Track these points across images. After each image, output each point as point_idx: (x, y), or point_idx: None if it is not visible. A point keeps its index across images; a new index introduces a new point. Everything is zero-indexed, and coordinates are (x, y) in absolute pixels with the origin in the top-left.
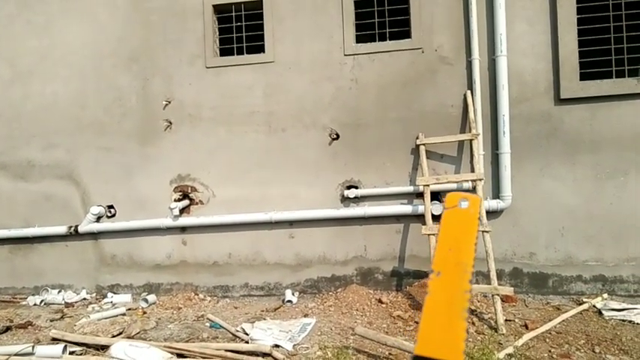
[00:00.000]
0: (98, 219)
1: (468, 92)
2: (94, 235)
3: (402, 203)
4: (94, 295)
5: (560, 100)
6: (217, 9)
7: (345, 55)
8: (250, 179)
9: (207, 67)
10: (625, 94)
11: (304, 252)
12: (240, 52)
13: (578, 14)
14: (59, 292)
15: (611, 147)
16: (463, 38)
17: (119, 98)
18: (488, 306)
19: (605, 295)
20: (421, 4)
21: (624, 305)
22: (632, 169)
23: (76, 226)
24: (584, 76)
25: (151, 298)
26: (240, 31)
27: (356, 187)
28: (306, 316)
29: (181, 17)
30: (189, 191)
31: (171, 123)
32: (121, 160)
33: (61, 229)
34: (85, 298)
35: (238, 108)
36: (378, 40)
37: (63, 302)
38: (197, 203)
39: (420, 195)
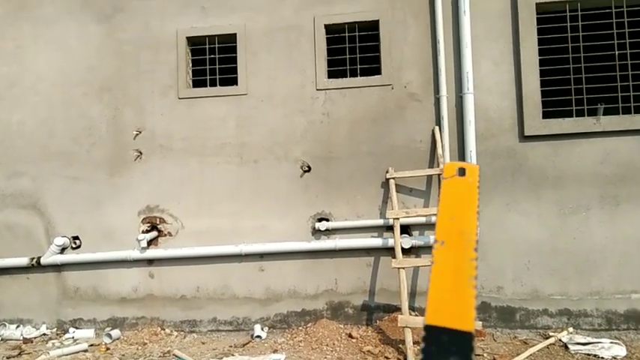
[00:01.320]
0: (62, 250)
1: (436, 128)
2: (58, 267)
3: (372, 236)
4: (54, 330)
5: (524, 137)
6: (191, 41)
7: (318, 89)
8: (221, 211)
9: (180, 98)
10: (585, 132)
11: (274, 285)
12: (213, 84)
13: (539, 55)
14: (17, 327)
15: (573, 183)
16: (431, 76)
17: (89, 127)
18: None
19: (571, 329)
20: (391, 42)
21: (589, 339)
22: (593, 205)
23: (39, 258)
24: (546, 114)
25: (115, 333)
26: (214, 63)
27: (327, 220)
28: (275, 351)
29: (155, 48)
30: (158, 222)
31: (141, 153)
32: (88, 190)
33: (23, 261)
34: (45, 334)
35: (210, 139)
36: (350, 76)
37: (21, 338)
38: (166, 235)
39: (390, 228)
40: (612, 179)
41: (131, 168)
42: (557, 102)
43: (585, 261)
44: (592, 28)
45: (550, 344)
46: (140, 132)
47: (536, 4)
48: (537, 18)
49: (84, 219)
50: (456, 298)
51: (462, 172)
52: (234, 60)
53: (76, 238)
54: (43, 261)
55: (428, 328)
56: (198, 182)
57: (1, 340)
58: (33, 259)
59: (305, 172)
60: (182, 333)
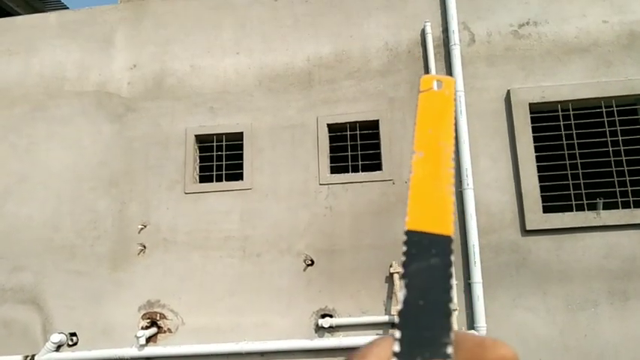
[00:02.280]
0: (58, 347)
1: None
2: None
3: (377, 333)
4: None
5: (526, 231)
6: (199, 138)
7: (320, 184)
8: (222, 306)
9: (186, 193)
10: (586, 227)
11: None
12: (219, 179)
13: (536, 152)
14: None
15: (579, 278)
16: None
17: (94, 221)
18: None
19: None
20: (391, 140)
21: None
22: (601, 301)
23: (33, 356)
24: (547, 209)
25: None
26: (221, 159)
27: (330, 316)
28: None
29: (164, 145)
30: (158, 318)
31: (145, 247)
32: (89, 285)
33: (16, 359)
34: None
35: (214, 232)
36: (352, 172)
37: None
38: (165, 331)
39: (395, 325)
40: (619, 274)
41: (134, 262)
42: (556, 196)
43: (599, 359)
44: (586, 125)
45: None
46: (145, 226)
47: (529, 104)
48: (531, 117)
49: (83, 314)
50: (435, 204)
51: (439, 84)
52: (240, 156)
53: (73, 334)
54: (37, 359)
55: (408, 234)
56: (200, 276)
57: None
58: (27, 357)
59: (308, 265)
60: None
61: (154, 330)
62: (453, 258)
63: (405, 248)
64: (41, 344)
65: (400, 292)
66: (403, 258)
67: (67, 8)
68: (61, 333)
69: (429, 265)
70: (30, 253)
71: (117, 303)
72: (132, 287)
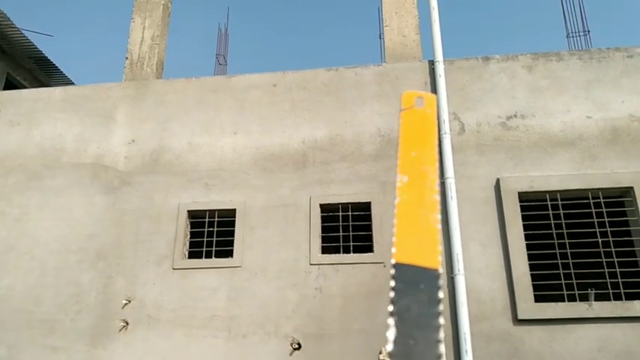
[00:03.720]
0: None
1: None
2: None
3: None
4: None
5: (518, 321)
6: (191, 214)
7: (311, 264)
8: None
9: (174, 269)
10: (579, 318)
11: None
12: (208, 255)
13: (526, 240)
14: None
15: None
16: None
17: (77, 294)
18: None
19: None
20: (382, 222)
21: None
22: None
23: None
24: (538, 298)
25: None
26: (212, 235)
27: None
28: None
29: (155, 219)
30: None
31: (127, 323)
32: None
33: None
34: None
35: (199, 310)
36: (343, 252)
37: None
38: None
39: None
40: None
41: (114, 339)
42: (547, 285)
43: None
44: (574, 216)
45: None
46: (130, 301)
47: (519, 192)
48: (521, 205)
49: None
50: (421, 236)
51: (420, 101)
52: (231, 233)
53: None
54: None
55: (396, 266)
56: (182, 357)
57: None
58: None
59: (295, 349)
60: None
61: None
62: (441, 294)
63: (393, 283)
64: None
65: (389, 331)
66: (391, 294)
67: (73, 84)
68: None
69: (417, 302)
70: (7, 326)
71: None
72: None
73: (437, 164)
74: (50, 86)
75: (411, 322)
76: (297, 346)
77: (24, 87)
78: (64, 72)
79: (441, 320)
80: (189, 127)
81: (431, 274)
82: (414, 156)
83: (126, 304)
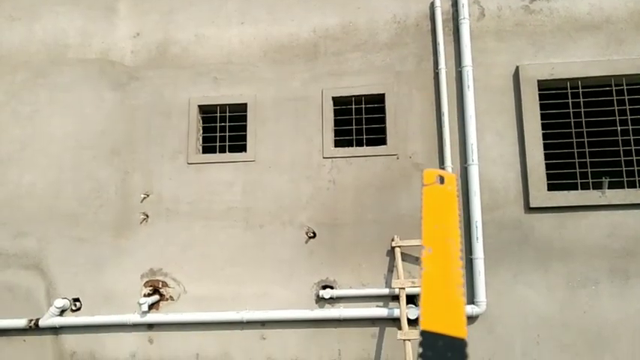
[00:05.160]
0: (62, 312)
1: None
2: (55, 330)
3: (377, 306)
4: None
5: (530, 209)
6: (202, 109)
7: (324, 157)
8: (224, 276)
9: (189, 163)
10: (591, 205)
11: (276, 355)
12: (222, 150)
13: (543, 129)
14: None
15: (581, 256)
16: (436, 146)
17: (97, 190)
18: None
19: None
20: (396, 114)
21: None
22: (602, 279)
23: (37, 320)
24: (551, 187)
25: None
26: (224, 130)
27: (331, 288)
28: None
29: (166, 115)
30: (160, 286)
31: (147, 216)
32: (92, 252)
33: (21, 322)
34: None
35: (216, 203)
36: (356, 145)
37: None
38: (167, 299)
39: (395, 298)
40: (621, 253)
41: (136, 231)
42: (562, 174)
43: (597, 336)
44: (594, 104)
45: None
46: (148, 195)
47: (538, 80)
48: (539, 94)
49: (86, 281)
50: (448, 305)
51: (441, 179)
52: (243, 128)
53: (76, 300)
54: (41, 323)
55: (424, 334)
56: (202, 246)
57: None
58: (31, 320)
59: (310, 238)
60: None
61: (156, 297)
62: None
63: (420, 350)
64: (45, 309)
65: None
66: None
67: None
68: (65, 298)
69: None
70: (33, 220)
71: (119, 270)
72: (134, 255)
73: (459, 238)
74: None
75: None
76: (312, 234)
77: None
78: None
79: None
80: (194, 18)
81: (458, 343)
82: (436, 229)
83: (144, 198)
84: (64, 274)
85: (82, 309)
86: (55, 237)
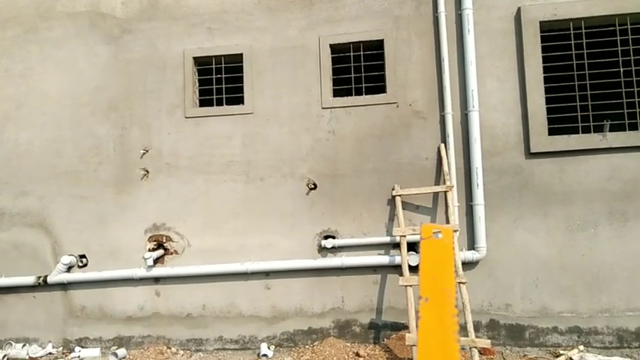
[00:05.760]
0: (69, 269)
1: (442, 145)
2: (64, 286)
3: (379, 254)
4: (60, 349)
5: (530, 154)
6: (197, 61)
7: (323, 107)
8: (227, 229)
9: (187, 117)
10: (591, 149)
11: (281, 304)
12: (219, 103)
13: (544, 73)
14: (23, 346)
15: (580, 199)
16: (436, 93)
17: (96, 147)
18: (466, 359)
19: (582, 347)
20: (396, 61)
21: (600, 357)
22: (601, 221)
23: (45, 277)
24: (552, 131)
25: (121, 352)
26: (220, 82)
27: (333, 237)
28: None
29: (161, 68)
30: (164, 241)
31: (148, 172)
32: (95, 209)
33: (29, 280)
34: (50, 353)
35: (216, 157)
36: (355, 94)
37: (27, 357)
38: (172, 253)
39: (396, 245)
40: (620, 196)
41: (138, 186)
42: (563, 119)
43: (595, 278)
44: (597, 45)
45: None
46: (147, 151)
47: (540, 22)
48: (541, 36)
49: (90, 237)
50: (444, 353)
51: (438, 234)
52: (240, 79)
53: (82, 256)
54: (49, 280)
55: None
56: (204, 200)
57: (7, 359)
58: (40, 277)
59: (311, 189)
60: (188, 352)
61: (160, 252)
62: None
63: None
64: (52, 266)
65: None
66: None
67: None
68: (71, 255)
69: None
70: (34, 179)
71: (123, 226)
72: (137, 211)
73: (454, 286)
74: None
75: None
76: (312, 186)
77: None
78: None
79: None
80: None
81: None
82: (434, 280)
83: (144, 153)
84: (69, 231)
85: (88, 265)
86: (57, 195)
